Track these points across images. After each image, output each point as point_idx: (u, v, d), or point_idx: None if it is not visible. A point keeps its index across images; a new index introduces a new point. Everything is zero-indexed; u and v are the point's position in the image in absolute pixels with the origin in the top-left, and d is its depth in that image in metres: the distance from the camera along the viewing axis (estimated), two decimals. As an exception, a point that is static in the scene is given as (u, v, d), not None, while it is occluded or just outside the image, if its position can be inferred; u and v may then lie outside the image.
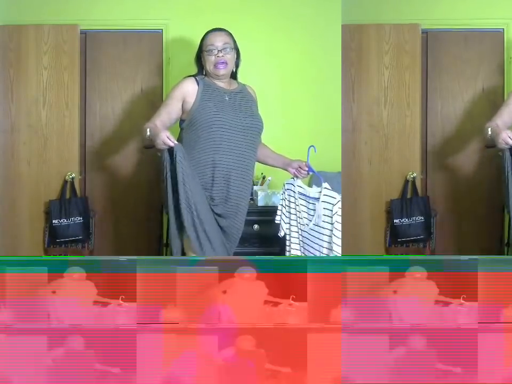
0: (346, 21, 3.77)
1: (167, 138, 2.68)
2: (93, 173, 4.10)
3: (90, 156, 4.09)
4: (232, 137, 2.97)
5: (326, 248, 2.87)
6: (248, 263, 2.64)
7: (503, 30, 3.94)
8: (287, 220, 3.11)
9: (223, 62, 3.03)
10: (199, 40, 3.16)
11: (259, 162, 3.22)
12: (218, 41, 3.05)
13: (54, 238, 3.82)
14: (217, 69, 3.03)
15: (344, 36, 3.77)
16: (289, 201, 3.10)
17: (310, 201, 2.97)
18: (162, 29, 4.00)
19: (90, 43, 4.02)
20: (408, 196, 3.87)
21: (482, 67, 3.98)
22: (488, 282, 2.53)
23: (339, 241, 2.80)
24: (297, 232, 3.06)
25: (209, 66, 3.05)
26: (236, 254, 3.15)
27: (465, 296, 2.55)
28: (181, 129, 3.06)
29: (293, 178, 3.12)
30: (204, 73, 3.10)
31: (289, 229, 3.10)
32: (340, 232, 2.81)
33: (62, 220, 3.79)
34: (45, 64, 3.84)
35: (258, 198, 3.77)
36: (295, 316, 2.57)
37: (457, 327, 2.53)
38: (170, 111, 3.00)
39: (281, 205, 3.14)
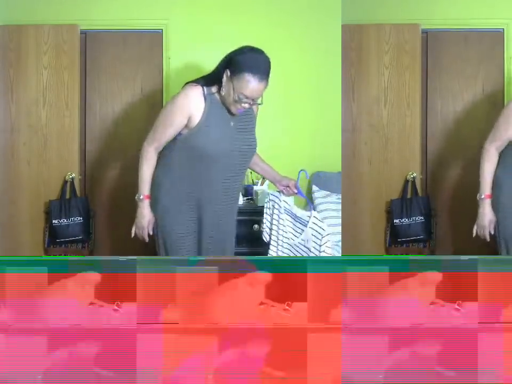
0: (346, 21, 3.77)
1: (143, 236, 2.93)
2: (93, 173, 4.11)
3: (90, 156, 4.09)
4: (233, 164, 2.86)
5: None
6: (253, 265, 2.64)
7: (503, 30, 3.94)
8: (268, 231, 3.11)
9: (241, 110, 2.78)
10: (233, 56, 2.77)
11: None
12: (256, 92, 2.69)
13: (54, 238, 3.82)
14: (235, 112, 2.79)
15: (344, 36, 3.77)
16: (272, 212, 3.08)
17: (297, 220, 2.98)
18: (162, 29, 4.00)
19: (90, 43, 4.02)
20: (408, 196, 3.87)
21: (482, 67, 3.98)
22: (488, 282, 2.53)
23: None
24: (277, 242, 3.05)
25: (229, 104, 2.75)
26: (235, 254, 3.15)
27: (460, 301, 2.55)
28: (174, 139, 2.84)
29: (279, 192, 3.09)
30: (216, 84, 2.78)
31: (269, 238, 3.10)
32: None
33: (62, 220, 3.79)
34: (45, 64, 3.85)
35: (258, 198, 3.77)
36: (292, 318, 2.56)
37: (457, 327, 2.53)
38: (171, 130, 2.80)
39: (266, 213, 3.11)
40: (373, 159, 3.92)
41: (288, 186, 3.03)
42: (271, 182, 3.17)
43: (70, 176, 3.85)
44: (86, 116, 4.06)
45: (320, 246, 2.86)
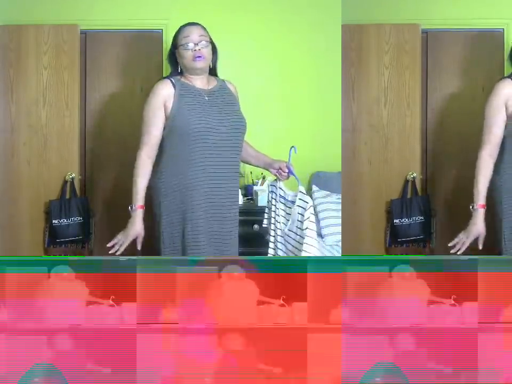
0: (346, 21, 3.77)
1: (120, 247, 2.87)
2: (93, 173, 4.11)
3: (90, 156, 4.09)
4: (217, 142, 2.85)
5: (294, 253, 2.76)
6: (240, 262, 2.63)
7: (503, 30, 3.94)
8: (269, 225, 2.99)
9: (200, 56, 2.88)
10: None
11: (242, 161, 3.07)
12: (194, 34, 2.90)
13: (54, 238, 3.81)
14: (194, 62, 2.89)
15: (344, 36, 3.77)
16: (271, 203, 2.97)
17: (288, 205, 2.85)
18: (162, 29, 4.00)
19: (90, 43, 4.02)
20: (408, 196, 3.87)
21: (482, 67, 3.97)
22: (488, 282, 2.53)
23: (309, 248, 2.66)
24: (274, 236, 2.94)
25: (185, 61, 2.91)
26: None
27: (455, 296, 2.55)
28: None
29: (276, 180, 2.97)
30: (180, 71, 2.96)
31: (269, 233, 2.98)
32: (311, 238, 2.67)
33: (62, 220, 3.79)
34: (45, 64, 3.84)
35: (258, 198, 3.77)
36: (288, 315, 2.56)
37: (457, 327, 2.53)
38: (155, 129, 2.88)
39: (268, 207, 3.00)
40: (373, 159, 3.92)
41: (280, 169, 2.94)
42: (264, 168, 3.08)
43: (70, 176, 3.85)
44: (86, 116, 4.06)
45: (303, 222, 2.69)
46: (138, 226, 2.85)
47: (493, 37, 3.95)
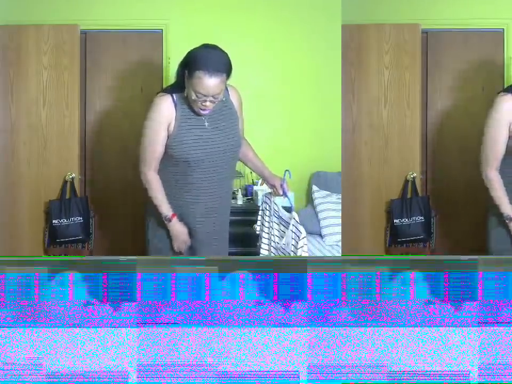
0: (346, 21, 3.77)
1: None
2: (93, 173, 4.11)
3: (90, 156, 4.10)
4: (212, 167, 2.76)
5: None
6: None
7: (503, 30, 3.94)
8: (261, 233, 3.02)
9: (206, 110, 2.66)
10: (196, 44, 2.77)
11: (240, 161, 3.00)
12: (211, 89, 2.59)
13: (54, 238, 3.82)
14: (199, 110, 2.68)
15: (344, 36, 3.77)
16: (264, 213, 2.98)
17: (282, 223, 2.85)
18: (162, 29, 4.00)
19: (90, 43, 4.03)
20: (408, 196, 3.87)
21: (482, 67, 3.98)
22: (488, 282, 2.53)
23: None
24: (268, 245, 2.96)
25: (191, 101, 2.67)
26: (236, 253, 3.14)
27: (460, 301, 2.55)
28: None
29: (270, 193, 2.96)
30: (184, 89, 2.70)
31: (261, 240, 3.01)
32: None
33: (62, 220, 3.79)
34: (45, 64, 3.84)
35: (258, 198, 3.78)
36: (288, 315, 2.56)
37: (457, 327, 2.54)
38: (159, 146, 2.74)
39: (260, 215, 3.01)
40: (373, 159, 3.92)
41: (275, 187, 2.90)
42: (262, 179, 3.06)
43: (70, 176, 3.85)
44: (86, 116, 4.06)
45: (297, 249, 2.69)
46: (183, 231, 2.82)
47: (493, 37, 3.96)
